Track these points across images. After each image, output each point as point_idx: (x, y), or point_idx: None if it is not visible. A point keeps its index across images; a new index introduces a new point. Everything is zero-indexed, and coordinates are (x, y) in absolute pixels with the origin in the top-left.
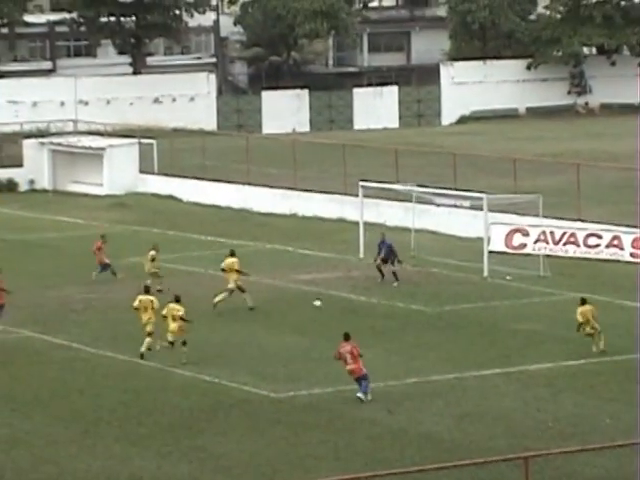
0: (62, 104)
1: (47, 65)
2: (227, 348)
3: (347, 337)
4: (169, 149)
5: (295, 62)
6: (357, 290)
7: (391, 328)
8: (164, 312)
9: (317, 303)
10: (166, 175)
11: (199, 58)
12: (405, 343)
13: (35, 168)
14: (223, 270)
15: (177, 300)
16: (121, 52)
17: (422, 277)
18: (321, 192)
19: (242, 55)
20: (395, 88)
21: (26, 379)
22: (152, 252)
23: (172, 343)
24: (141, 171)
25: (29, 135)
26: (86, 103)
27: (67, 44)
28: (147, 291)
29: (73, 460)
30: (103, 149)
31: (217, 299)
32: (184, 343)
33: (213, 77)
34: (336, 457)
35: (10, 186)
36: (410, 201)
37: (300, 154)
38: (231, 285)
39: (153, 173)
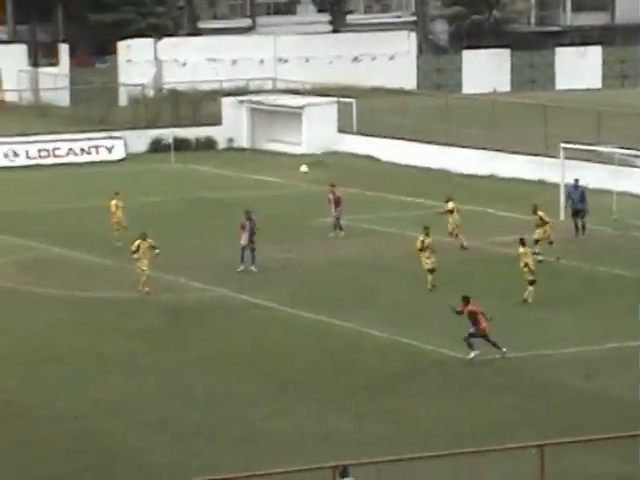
0: (261, 62)
1: (246, 23)
2: (422, 310)
3: (467, 300)
4: (368, 108)
5: (496, 21)
6: (556, 253)
7: (591, 292)
8: None
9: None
10: (364, 134)
11: (399, 16)
12: (605, 308)
13: (234, 126)
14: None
15: None
16: (321, 10)
17: (624, 241)
18: (521, 153)
19: (443, 13)
20: (599, 48)
21: (222, 338)
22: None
23: None
24: (339, 130)
25: (228, 93)
26: (285, 61)
27: (267, 1)
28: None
29: (268, 419)
30: (302, 108)
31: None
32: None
33: (413, 35)
34: (531, 422)
35: (209, 144)
36: (612, 164)
37: (500, 114)
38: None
39: (351, 132)
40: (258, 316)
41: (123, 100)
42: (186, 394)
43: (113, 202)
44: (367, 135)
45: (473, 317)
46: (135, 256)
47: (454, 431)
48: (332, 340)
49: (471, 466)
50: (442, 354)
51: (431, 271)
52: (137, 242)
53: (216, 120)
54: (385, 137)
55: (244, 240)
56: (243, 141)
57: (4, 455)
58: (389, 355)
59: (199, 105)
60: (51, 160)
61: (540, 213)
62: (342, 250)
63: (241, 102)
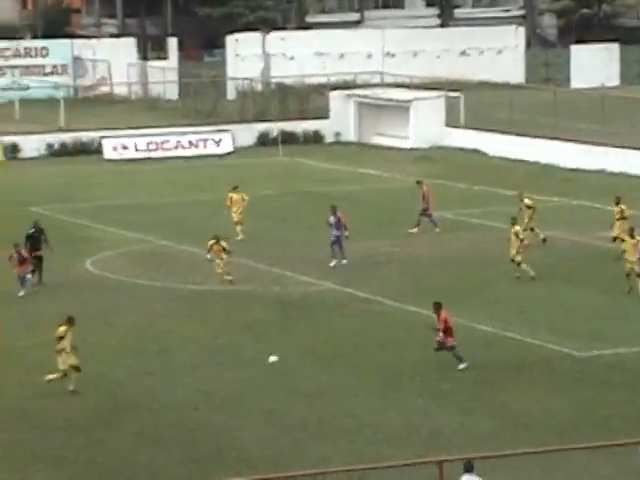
0: (369, 56)
1: (355, 17)
2: (528, 305)
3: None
4: (475, 102)
5: (606, 15)
6: None
7: None
8: None
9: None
10: (472, 129)
11: (507, 10)
12: None
13: (341, 120)
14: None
15: None
16: (429, 4)
17: None
18: (631, 148)
19: (551, 7)
20: None
21: (328, 331)
22: None
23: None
24: (447, 124)
25: (336, 87)
26: (392, 55)
27: None
28: None
29: (374, 413)
30: (409, 102)
31: None
32: None
33: (522, 30)
34: None
35: (316, 138)
36: None
37: (609, 109)
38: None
39: (459, 126)
40: (364, 310)
41: (231, 94)
42: (292, 386)
43: (232, 195)
44: (475, 129)
45: (446, 324)
46: (208, 256)
47: (561, 426)
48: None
49: (582, 461)
50: (549, 349)
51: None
52: (210, 242)
53: (323, 114)
54: (493, 131)
55: (332, 236)
56: (350, 135)
57: (115, 445)
58: (495, 350)
59: (307, 99)
60: (159, 153)
61: (622, 206)
62: (448, 244)
63: (349, 96)
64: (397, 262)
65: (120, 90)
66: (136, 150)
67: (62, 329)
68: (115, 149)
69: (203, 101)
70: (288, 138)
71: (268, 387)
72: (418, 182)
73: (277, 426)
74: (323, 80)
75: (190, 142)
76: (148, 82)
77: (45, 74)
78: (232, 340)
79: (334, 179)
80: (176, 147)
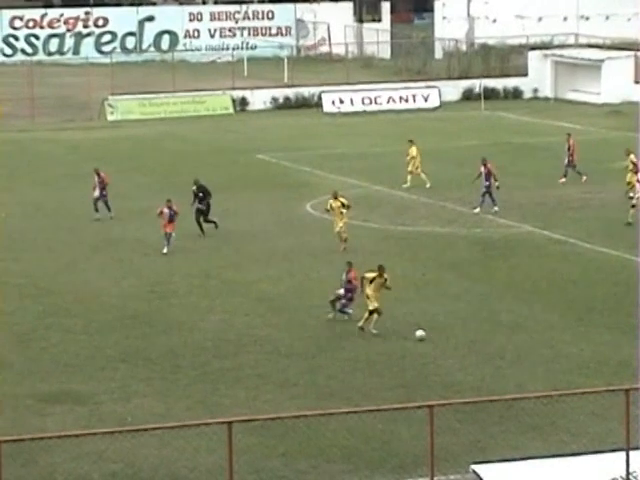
0: (565, 19)
1: None
2: None
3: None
4: None
5: None
6: None
7: None
8: None
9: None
10: None
11: None
12: None
13: (538, 77)
14: None
15: None
16: None
17: None
18: None
19: None
20: None
21: (526, 270)
22: None
23: None
24: (636, 81)
25: (534, 47)
26: (587, 18)
27: None
28: None
29: (567, 345)
30: (601, 61)
31: None
32: None
33: None
34: None
35: (516, 94)
36: None
37: None
38: None
39: None
40: (559, 251)
41: (439, 53)
42: (493, 319)
43: (412, 149)
44: None
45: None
46: (331, 215)
47: None
48: (626, 273)
49: None
50: None
51: None
52: (330, 201)
53: (523, 72)
54: None
55: (483, 187)
56: (547, 91)
57: (333, 370)
58: None
59: (507, 58)
60: (373, 107)
61: (632, 158)
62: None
63: (546, 55)
64: (589, 207)
65: (338, 50)
66: (352, 104)
67: (370, 275)
68: (333, 103)
69: (413, 60)
70: (490, 94)
71: (471, 319)
72: (568, 134)
73: (479, 355)
74: (522, 41)
75: (401, 97)
76: (363, 42)
77: (271, 35)
78: (438, 276)
79: (532, 131)
80: (388, 102)
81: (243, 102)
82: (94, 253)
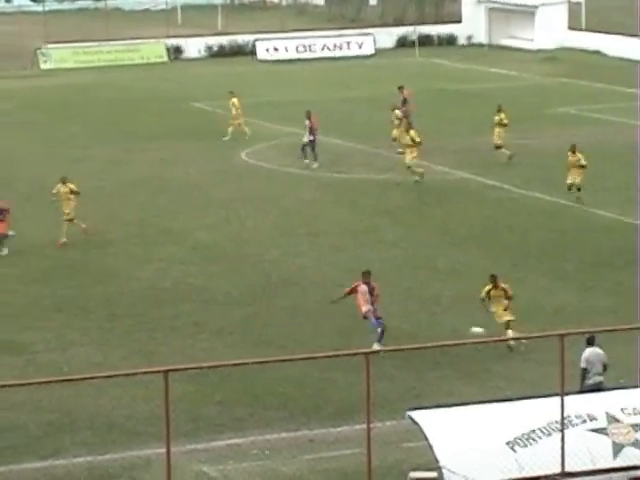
0: None
1: None
2: None
3: (367, 275)
4: (596, 7)
5: None
6: None
7: None
8: None
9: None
10: (593, 31)
11: None
12: None
13: (472, 24)
14: None
15: None
16: None
17: None
18: None
19: None
20: None
21: (461, 216)
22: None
23: None
24: (570, 28)
25: None
26: None
27: None
28: None
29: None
30: (535, 7)
31: None
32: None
33: None
34: None
35: (450, 40)
36: None
37: None
38: None
39: (581, 29)
40: (494, 197)
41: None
42: (429, 266)
43: (234, 100)
44: (596, 32)
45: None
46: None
47: None
48: (562, 219)
49: None
50: None
51: None
52: (58, 186)
53: (457, 18)
54: (612, 33)
55: (307, 139)
56: (481, 37)
57: (269, 317)
58: (614, 234)
59: (441, 4)
60: (307, 54)
61: (579, 155)
62: (573, 138)
63: (480, 2)
64: (525, 154)
65: None
66: (286, 51)
67: (485, 289)
68: (267, 51)
69: (347, 6)
70: (424, 41)
71: (407, 266)
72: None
73: (415, 301)
74: None
75: (335, 45)
76: None
77: None
78: (374, 223)
79: (467, 78)
80: (322, 49)
81: (177, 50)
82: (27, 201)
